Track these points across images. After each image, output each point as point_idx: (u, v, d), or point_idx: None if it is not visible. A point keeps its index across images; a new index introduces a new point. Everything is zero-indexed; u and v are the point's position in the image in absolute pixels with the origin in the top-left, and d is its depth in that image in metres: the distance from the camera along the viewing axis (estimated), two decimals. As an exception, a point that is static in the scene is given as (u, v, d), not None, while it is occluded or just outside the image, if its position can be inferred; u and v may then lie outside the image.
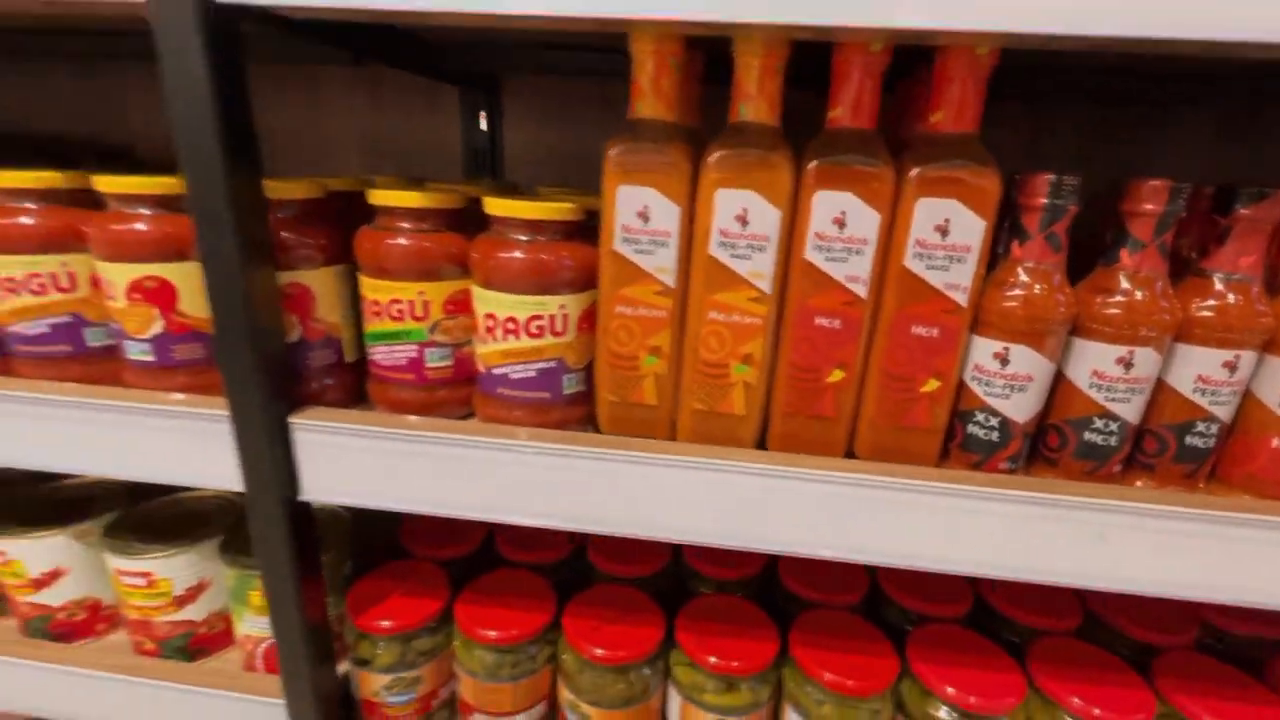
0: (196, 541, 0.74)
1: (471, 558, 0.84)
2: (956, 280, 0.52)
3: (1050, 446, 0.57)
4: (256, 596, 0.72)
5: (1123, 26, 0.41)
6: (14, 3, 0.53)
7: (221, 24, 0.48)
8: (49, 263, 0.62)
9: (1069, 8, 0.41)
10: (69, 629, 0.78)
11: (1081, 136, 0.93)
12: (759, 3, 0.43)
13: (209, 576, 0.75)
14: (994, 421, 0.55)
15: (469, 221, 0.62)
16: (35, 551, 0.74)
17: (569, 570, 0.84)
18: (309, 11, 0.48)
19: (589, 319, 0.60)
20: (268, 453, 0.58)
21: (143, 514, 0.79)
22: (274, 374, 0.57)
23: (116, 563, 0.72)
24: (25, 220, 0.61)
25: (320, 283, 0.62)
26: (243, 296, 0.53)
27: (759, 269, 0.54)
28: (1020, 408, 0.55)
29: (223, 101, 0.49)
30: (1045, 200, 0.51)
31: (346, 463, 0.59)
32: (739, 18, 0.44)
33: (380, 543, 0.83)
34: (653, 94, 0.53)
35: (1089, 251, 0.55)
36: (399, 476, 0.59)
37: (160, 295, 0.61)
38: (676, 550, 0.86)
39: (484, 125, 1.03)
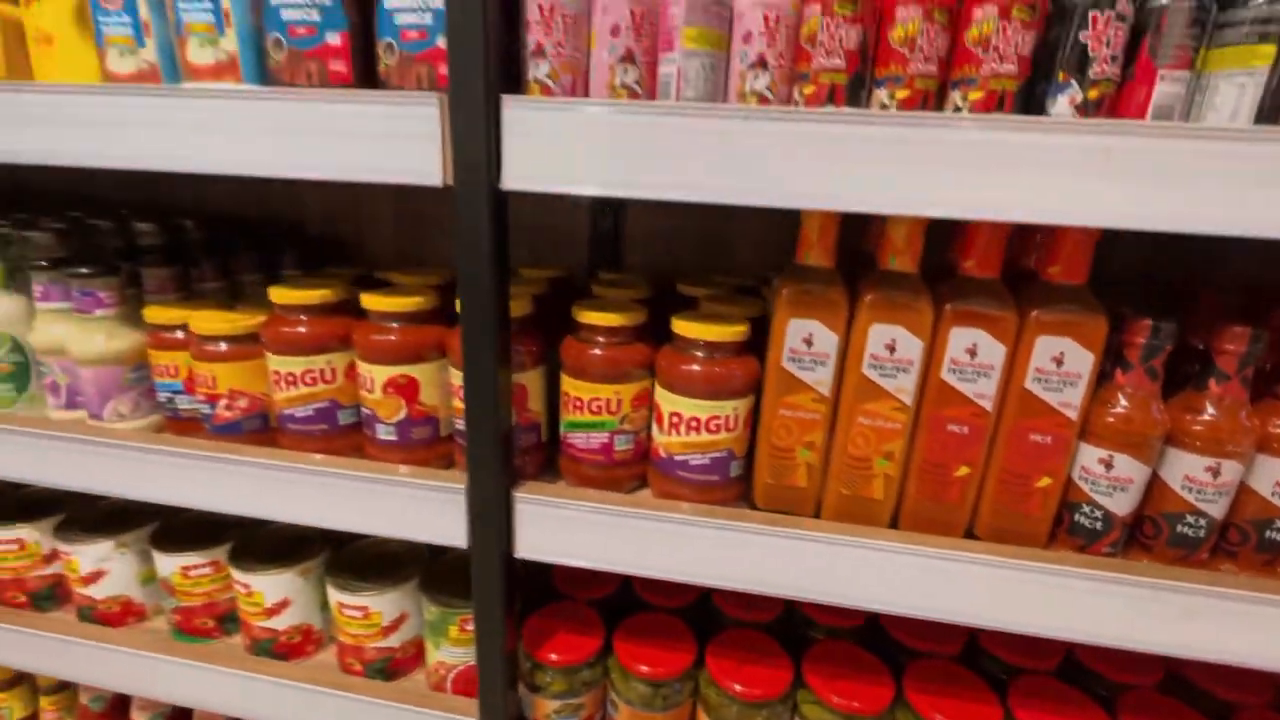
0: (400, 581, 0.89)
1: (612, 599, 0.98)
2: (1068, 400, 0.64)
3: (1146, 535, 0.68)
4: (455, 630, 0.86)
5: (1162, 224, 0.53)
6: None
7: (501, 199, 0.64)
8: (319, 361, 0.78)
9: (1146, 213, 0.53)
10: (288, 650, 0.94)
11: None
12: (907, 198, 0.56)
13: (408, 610, 0.90)
14: (1098, 514, 0.67)
15: (648, 330, 0.77)
16: (271, 584, 0.90)
17: (697, 613, 0.97)
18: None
19: (752, 416, 0.73)
20: (495, 519, 0.73)
21: (348, 555, 0.95)
22: (505, 457, 0.72)
23: (339, 597, 0.88)
24: (303, 329, 0.78)
25: (531, 381, 0.77)
26: (494, 396, 0.69)
27: (903, 386, 0.67)
28: (1121, 504, 0.66)
29: (495, 249, 0.65)
30: (1145, 340, 0.62)
31: (557, 529, 0.73)
32: (893, 210, 0.57)
33: (536, 584, 0.98)
34: (818, 247, 0.67)
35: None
36: (596, 541, 0.73)
37: (407, 389, 0.77)
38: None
39: (611, 215, 1.19)
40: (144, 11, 0.68)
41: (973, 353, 0.65)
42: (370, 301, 0.76)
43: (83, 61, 0.71)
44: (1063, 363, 0.63)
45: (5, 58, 0.73)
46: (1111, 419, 0.64)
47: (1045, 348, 0.63)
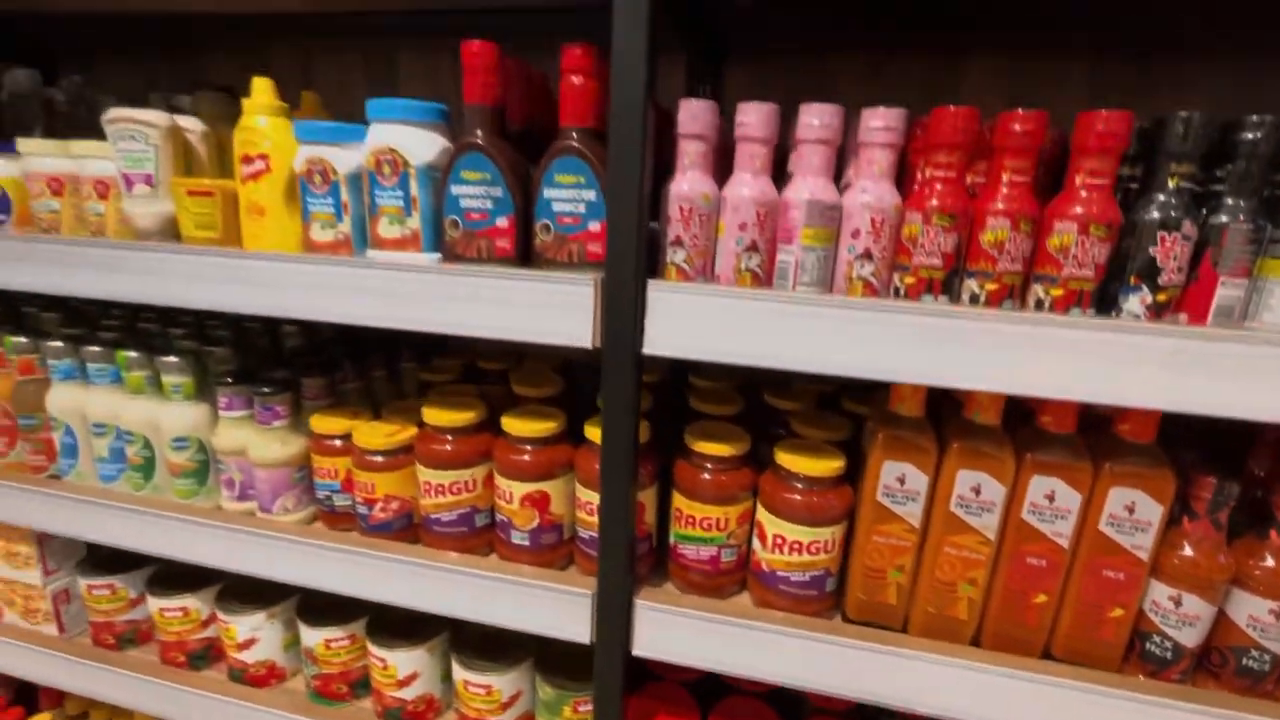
0: (518, 662, 1.00)
1: (702, 681, 1.07)
2: (1140, 543, 0.72)
3: (1214, 663, 0.75)
4: (569, 710, 0.97)
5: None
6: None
7: (640, 361, 0.75)
8: (463, 474, 0.91)
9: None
10: (413, 717, 1.06)
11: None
12: (997, 379, 0.66)
13: (523, 688, 1.01)
14: (1168, 645, 0.74)
15: (751, 456, 0.87)
16: (405, 659, 1.02)
17: (779, 696, 1.05)
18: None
19: (847, 539, 0.83)
20: (618, 622, 0.84)
21: (468, 633, 1.07)
22: (629, 568, 0.83)
23: (465, 675, 1.00)
24: (450, 447, 0.91)
25: (648, 498, 0.88)
26: (625, 513, 0.80)
27: (986, 523, 0.75)
28: (1189, 637, 0.73)
29: (635, 399, 0.76)
30: (1210, 496, 0.70)
31: (672, 632, 0.84)
32: (984, 388, 0.67)
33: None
34: (910, 400, 0.77)
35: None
36: (707, 644, 0.83)
37: (540, 502, 0.89)
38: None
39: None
40: (344, 195, 0.82)
41: (1051, 498, 0.73)
42: (511, 426, 0.88)
43: (288, 230, 0.86)
44: (1134, 511, 0.72)
45: (223, 222, 0.89)
46: (1179, 562, 0.72)
47: (1118, 497, 0.72)
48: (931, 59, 1.08)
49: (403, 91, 1.33)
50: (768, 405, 1.03)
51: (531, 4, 1.05)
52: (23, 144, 0.93)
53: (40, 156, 0.93)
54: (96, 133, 1.29)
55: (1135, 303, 0.65)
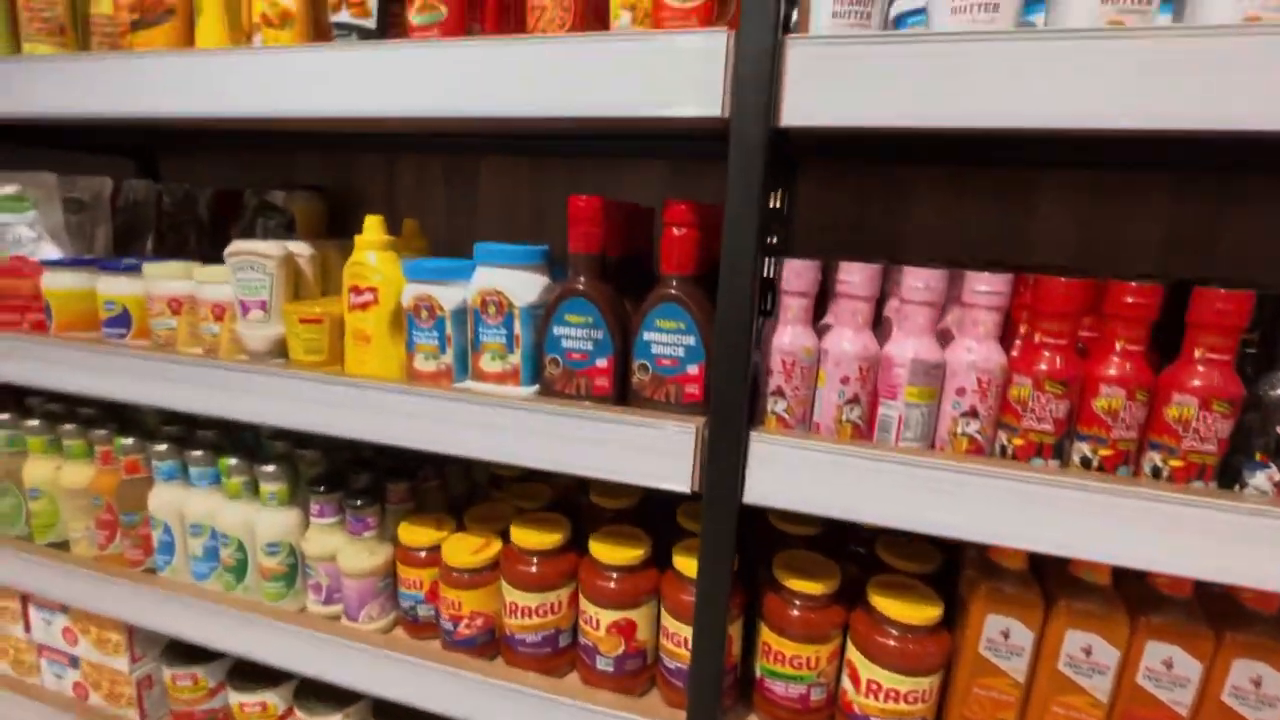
0: (593, 782, 0.99)
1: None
2: (1267, 718, 0.69)
3: None
4: (647, 840, 0.95)
5: None
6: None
7: (740, 510, 0.76)
8: (549, 597, 0.92)
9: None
10: (484, 830, 1.05)
11: None
12: (1107, 551, 0.65)
13: (597, 809, 1.00)
14: (1302, 828, 0.70)
15: (843, 591, 0.86)
16: (479, 774, 1.02)
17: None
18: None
19: (943, 687, 0.81)
20: (707, 760, 0.83)
21: (540, 744, 1.06)
22: (719, 696, 0.82)
23: (541, 794, 0.99)
24: (534, 570, 0.92)
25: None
26: (718, 657, 0.79)
27: (1097, 685, 0.73)
28: (1326, 822, 0.69)
29: (734, 546, 0.77)
30: (1346, 675, 0.67)
31: (762, 777, 0.82)
32: (1092, 558, 0.66)
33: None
34: (1011, 556, 0.76)
35: None
36: (797, 791, 0.81)
37: (626, 630, 0.89)
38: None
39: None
40: (449, 329, 0.86)
41: (1169, 665, 0.71)
42: (599, 552, 0.89)
43: (390, 357, 0.90)
44: (1260, 685, 0.68)
45: (329, 347, 0.93)
46: (1314, 742, 0.68)
47: (1243, 670, 0.69)
48: (1007, 172, 1.09)
49: (481, 191, 1.39)
50: (850, 524, 1.02)
51: (607, 130, 1.09)
52: (148, 268, 1.00)
53: (164, 280, 0.99)
54: (198, 229, 1.38)
55: (1263, 479, 0.64)
